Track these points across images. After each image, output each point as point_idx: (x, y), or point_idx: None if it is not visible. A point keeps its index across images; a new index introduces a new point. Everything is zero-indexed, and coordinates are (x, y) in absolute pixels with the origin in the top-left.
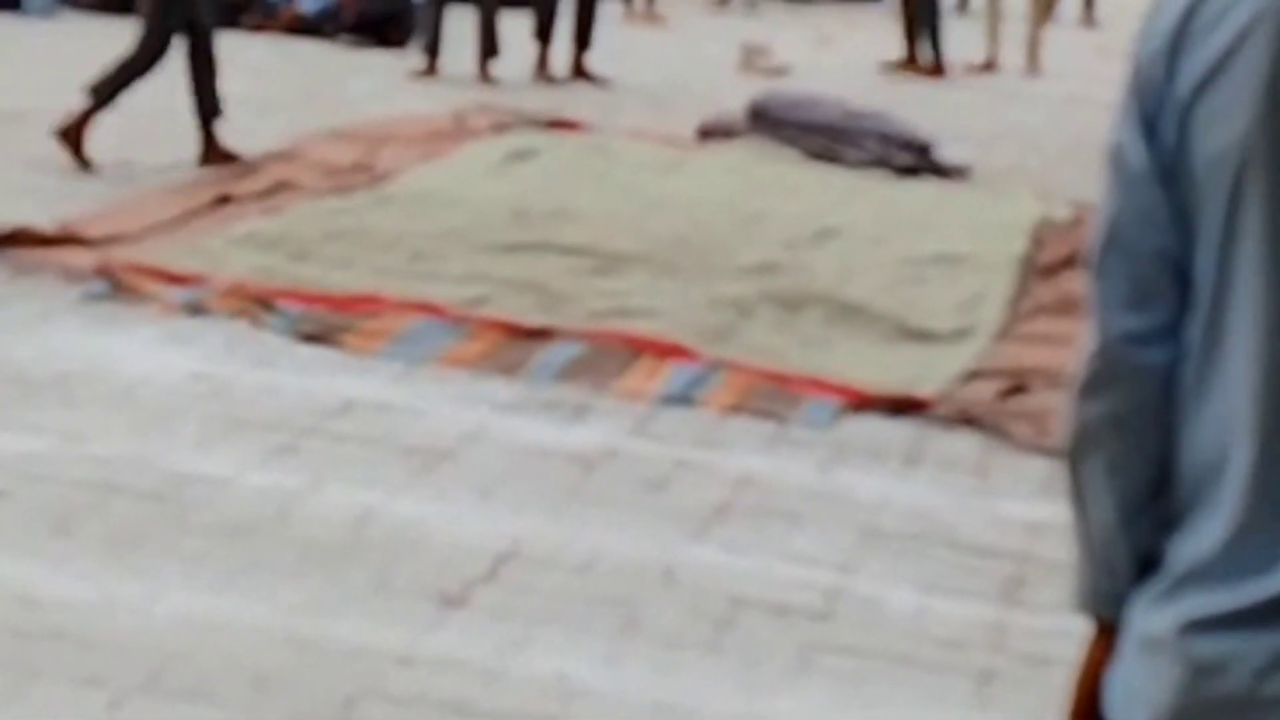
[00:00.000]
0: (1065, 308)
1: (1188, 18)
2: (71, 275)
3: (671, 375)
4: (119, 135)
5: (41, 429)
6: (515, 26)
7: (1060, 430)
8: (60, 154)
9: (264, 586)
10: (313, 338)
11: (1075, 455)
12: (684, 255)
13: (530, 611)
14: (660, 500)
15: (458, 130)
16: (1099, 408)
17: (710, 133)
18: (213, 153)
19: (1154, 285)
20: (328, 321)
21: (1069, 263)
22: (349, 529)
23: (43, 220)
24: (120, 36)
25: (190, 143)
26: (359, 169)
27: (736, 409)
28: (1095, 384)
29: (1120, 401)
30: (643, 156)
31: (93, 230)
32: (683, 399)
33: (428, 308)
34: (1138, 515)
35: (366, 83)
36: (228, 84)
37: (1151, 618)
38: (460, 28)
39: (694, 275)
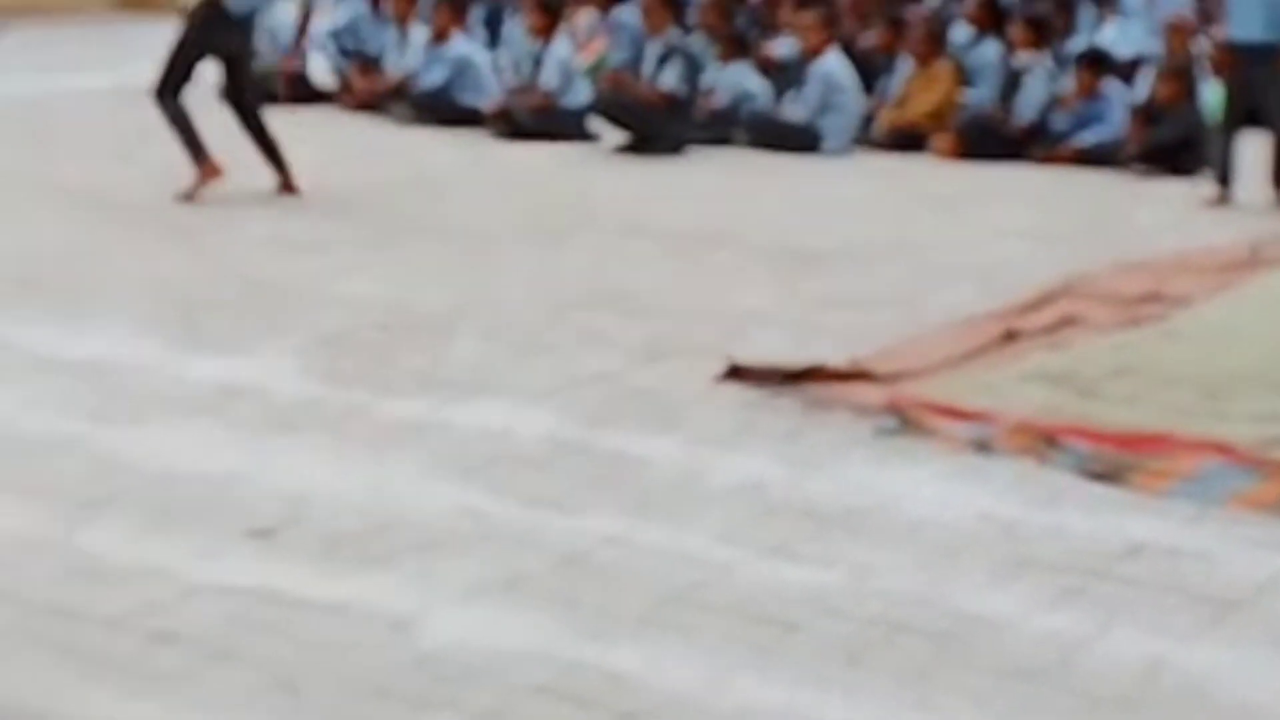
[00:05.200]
0: None
1: None
2: (862, 410)
3: None
4: (908, 272)
5: (831, 562)
6: None
7: None
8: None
9: None
10: (1100, 476)
11: None
12: None
13: None
14: None
15: (1253, 260)
16: None
17: None
18: None
19: None
20: (1115, 460)
21: None
22: (1135, 679)
23: (835, 357)
24: (911, 175)
25: (972, 280)
26: (1147, 302)
27: None
28: None
29: None
30: None
31: (883, 366)
32: None
33: (1221, 448)
34: None
35: (1154, 213)
36: (1011, 216)
37: None
38: (1255, 154)
39: None
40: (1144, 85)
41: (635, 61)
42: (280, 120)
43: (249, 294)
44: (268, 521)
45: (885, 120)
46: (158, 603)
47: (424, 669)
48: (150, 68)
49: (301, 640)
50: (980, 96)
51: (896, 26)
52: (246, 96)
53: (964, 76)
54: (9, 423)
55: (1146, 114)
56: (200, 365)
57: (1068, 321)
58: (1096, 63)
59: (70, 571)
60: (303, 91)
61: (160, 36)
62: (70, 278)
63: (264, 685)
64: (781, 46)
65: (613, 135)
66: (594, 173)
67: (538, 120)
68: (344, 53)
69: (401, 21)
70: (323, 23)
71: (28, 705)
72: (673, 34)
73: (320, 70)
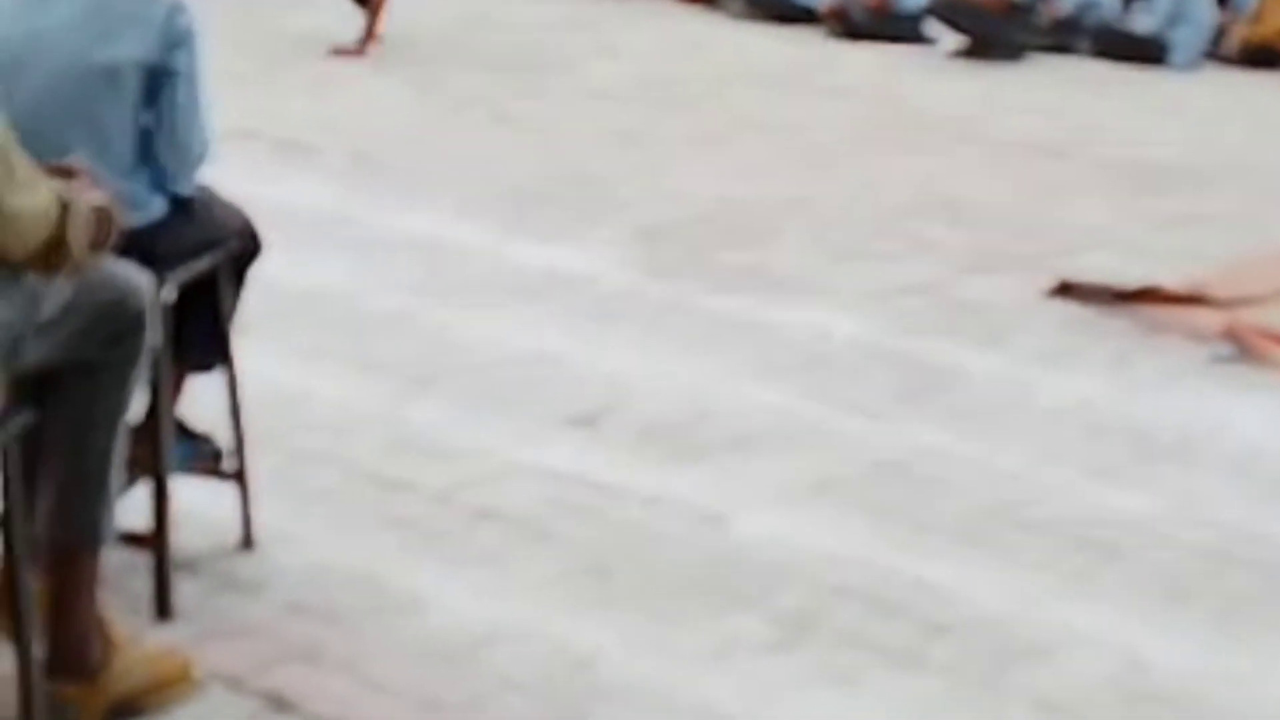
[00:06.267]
0: None
1: None
2: (1197, 335)
3: None
4: None
5: (1158, 489)
6: None
7: None
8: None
9: None
10: None
11: None
12: None
13: None
14: None
15: None
16: None
17: None
18: None
19: None
20: None
21: None
22: None
23: (1170, 278)
24: (1262, 93)
25: None
26: None
27: None
28: None
29: None
30: None
31: (1221, 290)
32: None
33: None
34: None
35: None
36: None
37: None
38: None
39: None
40: None
41: None
42: (606, 9)
43: (576, 182)
44: (587, 408)
45: (1238, 35)
46: (480, 480)
47: (733, 565)
48: None
49: (615, 527)
50: None
51: None
52: None
53: None
54: (346, 295)
55: None
56: (526, 250)
57: None
58: None
59: (398, 445)
60: None
61: None
62: (402, 155)
63: (577, 568)
64: None
65: (950, 39)
66: (929, 77)
67: (874, 21)
68: None
69: None
70: None
71: (356, 568)
72: None
73: None
